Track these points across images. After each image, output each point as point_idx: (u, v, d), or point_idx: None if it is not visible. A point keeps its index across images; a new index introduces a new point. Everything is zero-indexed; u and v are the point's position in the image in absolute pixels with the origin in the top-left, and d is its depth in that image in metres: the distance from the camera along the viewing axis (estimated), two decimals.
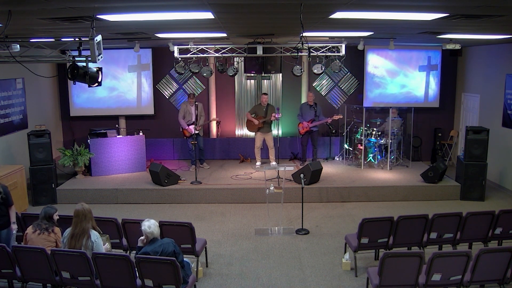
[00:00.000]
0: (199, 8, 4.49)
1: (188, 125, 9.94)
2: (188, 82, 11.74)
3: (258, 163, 10.35)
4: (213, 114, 11.61)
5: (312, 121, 10.16)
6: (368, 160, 10.49)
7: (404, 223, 5.65)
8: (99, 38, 4.74)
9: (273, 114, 9.83)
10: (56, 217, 5.11)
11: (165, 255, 4.51)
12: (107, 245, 5.06)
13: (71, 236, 4.68)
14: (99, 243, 4.76)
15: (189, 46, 8.95)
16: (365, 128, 10.27)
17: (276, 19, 5.74)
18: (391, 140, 10.20)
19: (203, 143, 10.41)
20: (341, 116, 10.29)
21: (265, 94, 10.34)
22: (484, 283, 4.94)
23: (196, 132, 9.81)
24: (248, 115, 10.22)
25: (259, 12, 5.01)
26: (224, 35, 7.55)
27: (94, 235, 4.76)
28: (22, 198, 8.18)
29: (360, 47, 9.07)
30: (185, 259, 4.85)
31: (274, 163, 10.21)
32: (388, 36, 8.28)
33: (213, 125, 11.65)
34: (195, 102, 9.98)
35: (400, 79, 11.55)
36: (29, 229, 5.03)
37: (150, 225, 4.55)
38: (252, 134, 11.32)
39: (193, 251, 5.55)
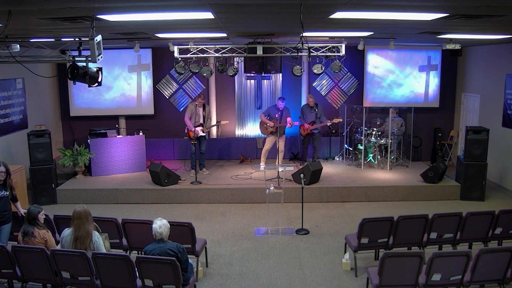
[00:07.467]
0: (199, 8, 4.49)
1: (195, 126, 9.51)
2: (188, 82, 11.74)
3: (262, 166, 9.91)
4: (213, 115, 11.60)
5: (313, 123, 10.13)
6: (368, 160, 10.49)
7: (404, 223, 5.66)
8: (99, 38, 4.74)
9: (289, 120, 9.62)
10: (42, 216, 5.04)
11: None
12: (106, 244, 5.05)
13: (76, 239, 4.66)
14: (100, 242, 4.78)
15: (189, 46, 8.93)
16: (365, 128, 10.27)
17: (276, 19, 5.74)
18: (391, 140, 10.21)
19: (205, 147, 10.02)
20: (341, 120, 10.29)
21: (283, 98, 9.93)
22: (484, 283, 4.93)
23: (203, 134, 9.59)
24: (262, 117, 9.94)
25: (259, 12, 5.01)
26: (224, 35, 7.55)
27: (95, 235, 4.77)
28: (22, 198, 8.12)
29: (360, 47, 9.06)
30: (189, 261, 4.85)
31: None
32: (388, 36, 8.28)
33: None
34: (203, 103, 9.64)
35: (400, 79, 11.54)
36: (19, 237, 5.03)
37: (161, 225, 4.56)
38: (253, 134, 11.34)
39: (193, 251, 5.55)
